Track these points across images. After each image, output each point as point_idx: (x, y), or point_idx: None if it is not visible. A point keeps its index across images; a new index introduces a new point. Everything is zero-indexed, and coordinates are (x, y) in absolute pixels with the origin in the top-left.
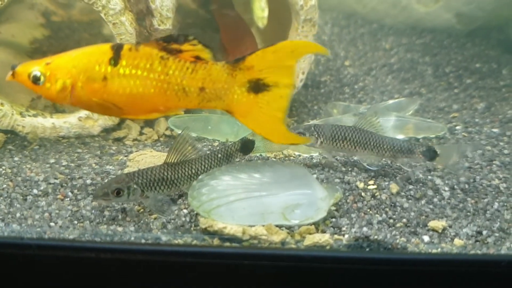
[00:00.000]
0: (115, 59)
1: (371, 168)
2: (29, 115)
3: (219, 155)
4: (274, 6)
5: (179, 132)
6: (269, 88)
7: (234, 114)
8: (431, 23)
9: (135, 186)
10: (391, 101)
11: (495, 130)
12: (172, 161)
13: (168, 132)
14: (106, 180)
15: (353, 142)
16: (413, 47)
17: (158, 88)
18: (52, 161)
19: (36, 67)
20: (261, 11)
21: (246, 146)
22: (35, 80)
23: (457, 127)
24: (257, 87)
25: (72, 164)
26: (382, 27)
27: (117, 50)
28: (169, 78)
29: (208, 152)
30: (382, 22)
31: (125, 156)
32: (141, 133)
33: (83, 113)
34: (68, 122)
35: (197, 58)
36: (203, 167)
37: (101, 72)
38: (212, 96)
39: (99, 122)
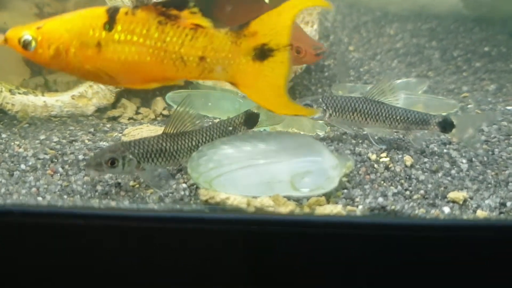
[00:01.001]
0: (110, 24)
1: (380, 146)
2: (19, 93)
3: (222, 127)
4: None
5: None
6: (274, 53)
7: (239, 86)
8: (437, 9)
9: (130, 156)
10: (399, 81)
11: (509, 107)
12: (172, 131)
13: (165, 112)
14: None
15: (364, 114)
16: (419, 32)
17: (155, 56)
18: (42, 137)
19: (26, 31)
20: None
21: (251, 119)
22: (26, 45)
23: (469, 106)
24: (263, 53)
25: (64, 141)
26: (386, 14)
27: (112, 14)
28: (166, 46)
29: (210, 124)
30: (385, 10)
31: (120, 133)
32: (137, 113)
33: (77, 91)
34: (61, 100)
35: (197, 26)
36: (204, 139)
37: (95, 37)
38: (214, 67)
39: (93, 101)
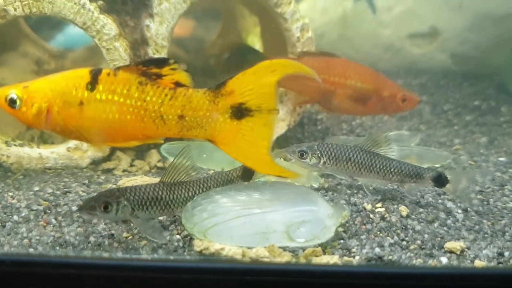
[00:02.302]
0: (92, 84)
1: (374, 196)
2: (15, 145)
3: (219, 179)
4: (269, 40)
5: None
6: (252, 113)
7: (217, 143)
8: (426, 64)
9: (125, 202)
10: (391, 133)
11: (502, 159)
12: (169, 180)
13: (160, 164)
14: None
15: (358, 164)
16: (409, 87)
17: (135, 114)
18: (36, 189)
19: (13, 90)
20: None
21: (248, 172)
22: (11, 103)
23: (462, 157)
24: (240, 112)
25: (58, 192)
26: (377, 70)
27: (95, 74)
28: (147, 105)
29: (206, 175)
30: (376, 66)
31: (114, 185)
32: (131, 165)
33: (72, 143)
34: (56, 152)
35: (177, 84)
36: (201, 190)
37: (78, 97)
38: (193, 124)
39: (88, 154)
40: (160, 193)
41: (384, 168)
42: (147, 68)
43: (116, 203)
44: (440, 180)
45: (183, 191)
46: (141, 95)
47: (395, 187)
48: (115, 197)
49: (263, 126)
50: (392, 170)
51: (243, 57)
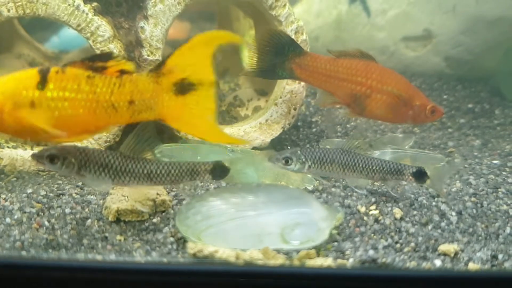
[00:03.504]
0: (42, 83)
1: (359, 191)
2: (8, 147)
3: (183, 167)
4: None
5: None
6: (195, 86)
7: (167, 121)
8: (421, 67)
9: (72, 160)
10: (385, 136)
11: (495, 161)
12: (128, 152)
13: None
14: (85, 209)
15: (341, 165)
16: None
17: (88, 107)
18: (29, 191)
19: None
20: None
21: (218, 170)
22: None
23: (456, 160)
24: (183, 88)
25: (51, 194)
26: None
27: (44, 73)
28: (97, 96)
29: (173, 161)
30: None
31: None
32: None
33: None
34: (49, 147)
35: (122, 72)
36: (158, 171)
37: (29, 97)
38: (142, 108)
39: None
40: (112, 160)
41: (367, 167)
42: (93, 63)
43: (62, 158)
44: (420, 176)
45: (138, 166)
46: (91, 88)
47: (389, 189)
48: (64, 153)
49: (207, 98)
50: (374, 168)
51: (277, 45)
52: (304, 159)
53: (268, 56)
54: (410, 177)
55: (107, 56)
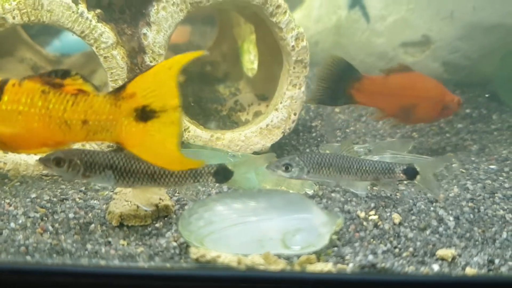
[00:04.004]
0: None
1: (360, 193)
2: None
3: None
4: (264, 49)
5: None
6: (158, 114)
7: (125, 146)
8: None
9: (78, 162)
10: (384, 141)
11: (492, 166)
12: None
13: None
14: (89, 214)
15: (338, 168)
16: None
17: (41, 122)
18: (33, 196)
19: None
20: (250, 63)
21: (222, 173)
22: None
23: (454, 165)
24: (145, 114)
25: (55, 199)
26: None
27: (1, 85)
28: (50, 112)
29: None
30: (370, 74)
31: (111, 191)
32: None
33: None
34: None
35: (81, 92)
36: (162, 172)
37: None
38: (98, 128)
39: None
40: (117, 161)
41: (361, 169)
42: (51, 78)
43: (68, 161)
44: (410, 173)
45: (142, 166)
46: (44, 103)
47: (389, 194)
48: (70, 155)
49: (170, 125)
50: (367, 169)
51: (338, 73)
52: (303, 165)
53: (330, 84)
54: (401, 174)
55: (65, 73)
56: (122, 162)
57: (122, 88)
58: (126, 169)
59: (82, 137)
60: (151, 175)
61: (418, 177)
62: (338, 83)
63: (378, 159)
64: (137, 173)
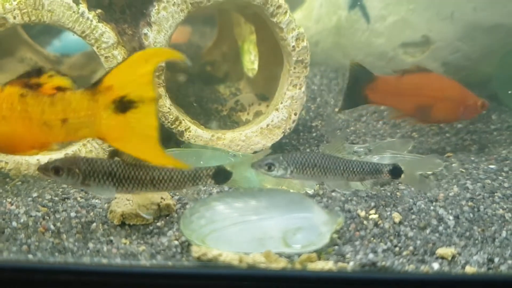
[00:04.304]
0: None
1: (345, 192)
2: None
3: (186, 173)
4: (265, 49)
5: None
6: (136, 104)
7: (107, 140)
8: None
9: (77, 170)
10: (384, 141)
11: (492, 166)
12: (131, 160)
13: None
14: (91, 213)
15: (323, 169)
16: None
17: (23, 126)
18: (35, 195)
19: None
20: (251, 64)
21: (221, 174)
22: None
23: (453, 165)
24: (123, 105)
25: (56, 198)
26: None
27: None
28: (30, 115)
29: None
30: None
31: None
32: None
33: (70, 149)
34: (54, 159)
35: (59, 89)
36: (161, 177)
37: None
38: (78, 126)
39: None
40: (116, 168)
41: (347, 169)
42: (28, 79)
43: (67, 170)
44: (396, 172)
45: (141, 173)
46: (23, 106)
47: (388, 194)
48: (68, 164)
49: (148, 115)
50: (354, 170)
51: (357, 78)
52: (286, 165)
53: (350, 89)
54: (388, 174)
55: (38, 72)
56: (121, 169)
57: (98, 82)
58: (126, 176)
59: (63, 136)
60: (150, 181)
61: (402, 176)
62: (355, 86)
63: (378, 159)
64: (137, 180)
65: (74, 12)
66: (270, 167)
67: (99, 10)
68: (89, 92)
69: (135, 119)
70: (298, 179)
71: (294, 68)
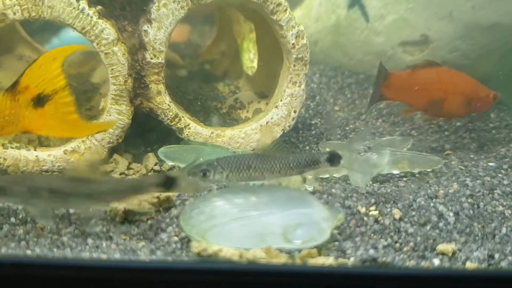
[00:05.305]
0: None
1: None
2: (11, 147)
3: (128, 183)
4: (264, 47)
5: (170, 163)
6: (51, 96)
7: (33, 132)
8: None
9: (18, 189)
10: (384, 139)
11: (491, 164)
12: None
13: (157, 167)
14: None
15: (259, 169)
16: None
17: None
18: None
19: None
20: (250, 61)
21: (167, 182)
22: None
23: (453, 162)
24: (41, 100)
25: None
26: (369, 77)
27: None
28: None
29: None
30: (368, 73)
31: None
32: (128, 168)
33: (69, 146)
34: (53, 155)
35: None
36: (100, 190)
37: None
38: (5, 124)
39: (85, 156)
40: (54, 183)
41: (285, 166)
42: None
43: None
44: (334, 159)
45: (83, 186)
46: None
47: (388, 190)
48: (8, 182)
49: (64, 103)
50: (291, 165)
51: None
52: (221, 169)
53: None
54: (326, 163)
55: None
56: (60, 184)
57: (16, 83)
58: (65, 191)
59: None
60: (88, 195)
61: (342, 162)
62: (376, 84)
63: (377, 156)
64: (75, 195)
65: (74, 8)
66: (205, 174)
67: (99, 7)
68: (9, 93)
69: (53, 109)
70: (236, 181)
71: (294, 65)
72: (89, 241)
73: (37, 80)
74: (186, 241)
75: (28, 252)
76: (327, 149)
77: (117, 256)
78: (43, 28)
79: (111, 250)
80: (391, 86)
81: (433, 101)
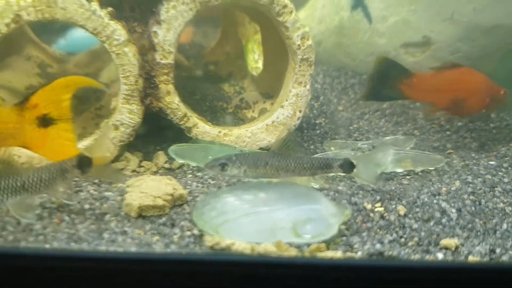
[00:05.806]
0: None
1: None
2: None
3: (50, 168)
4: (269, 48)
5: (180, 160)
6: (55, 121)
7: (31, 149)
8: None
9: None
10: (387, 138)
11: (492, 162)
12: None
13: (167, 165)
14: (104, 205)
15: (275, 167)
16: None
17: None
18: None
19: None
20: (255, 62)
21: (83, 162)
22: None
23: (454, 161)
24: (45, 121)
25: (69, 191)
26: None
27: None
28: None
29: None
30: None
31: (124, 184)
32: (139, 166)
33: (82, 144)
34: None
35: None
36: (31, 180)
37: None
38: (6, 136)
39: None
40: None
41: (299, 166)
42: None
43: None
44: (347, 167)
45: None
46: None
47: (393, 188)
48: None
49: (66, 130)
50: (305, 166)
51: (387, 72)
52: (239, 164)
53: (378, 82)
54: (338, 168)
55: None
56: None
57: (26, 100)
58: None
59: None
60: (21, 187)
61: (355, 170)
62: (387, 81)
63: (382, 155)
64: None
65: (86, 9)
66: (223, 167)
67: (110, 8)
68: (18, 108)
69: (55, 133)
70: (251, 178)
71: (299, 66)
72: (105, 235)
73: (47, 101)
74: (199, 236)
75: (47, 246)
76: (333, 148)
77: (132, 249)
78: (50, 29)
79: (126, 244)
80: (415, 86)
81: (456, 101)
